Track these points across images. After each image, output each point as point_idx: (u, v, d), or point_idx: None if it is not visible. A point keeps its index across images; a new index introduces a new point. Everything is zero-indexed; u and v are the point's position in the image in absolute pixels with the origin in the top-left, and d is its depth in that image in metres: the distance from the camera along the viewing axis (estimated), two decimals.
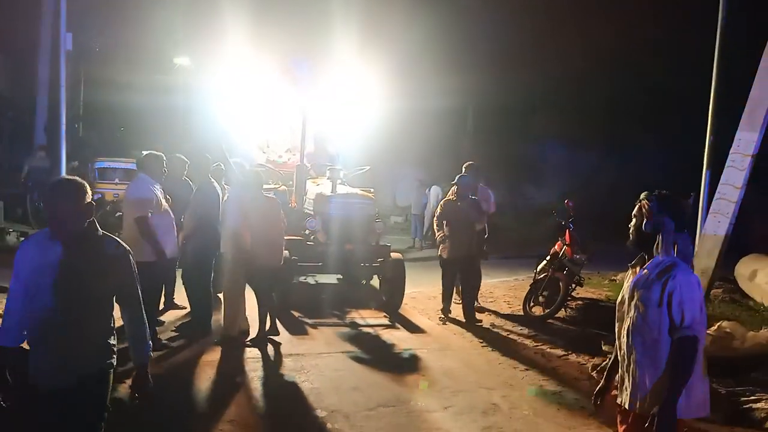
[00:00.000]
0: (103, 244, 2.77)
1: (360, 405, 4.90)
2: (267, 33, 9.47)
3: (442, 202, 7.54)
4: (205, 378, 5.35)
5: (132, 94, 19.20)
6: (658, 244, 2.83)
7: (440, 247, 7.53)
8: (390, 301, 7.86)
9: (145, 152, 6.35)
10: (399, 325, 7.32)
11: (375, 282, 8.68)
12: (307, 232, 7.82)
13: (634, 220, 2.94)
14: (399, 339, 6.82)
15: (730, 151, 7.25)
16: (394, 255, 7.98)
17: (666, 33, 15.85)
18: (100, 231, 2.79)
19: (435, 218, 7.73)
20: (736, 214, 7.20)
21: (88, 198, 2.68)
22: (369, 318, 7.59)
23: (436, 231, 7.77)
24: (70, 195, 2.64)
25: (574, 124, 18.21)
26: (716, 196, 7.37)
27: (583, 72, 17.30)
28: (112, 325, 2.86)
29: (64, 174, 11.76)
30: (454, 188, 7.63)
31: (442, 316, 7.59)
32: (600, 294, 9.31)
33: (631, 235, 2.95)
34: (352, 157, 9.74)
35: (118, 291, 2.83)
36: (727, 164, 7.26)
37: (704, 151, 9.21)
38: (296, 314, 7.42)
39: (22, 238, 11.30)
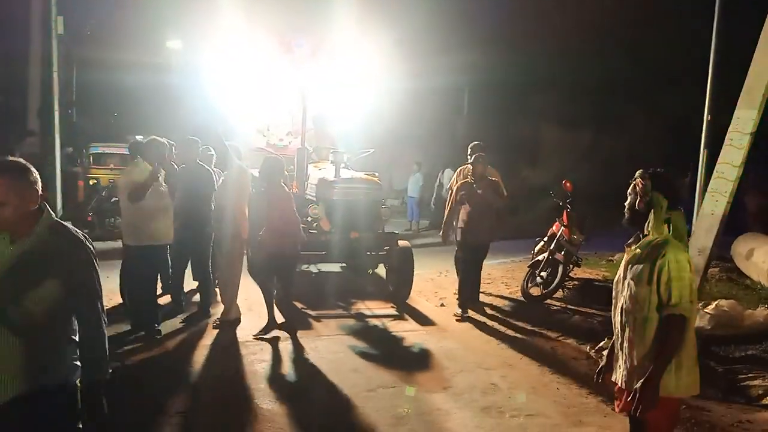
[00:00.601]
0: (54, 233, 2.38)
1: (360, 386, 4.91)
2: (264, 9, 9.07)
3: (458, 185, 7.00)
4: (201, 360, 5.35)
5: (125, 78, 19.02)
6: (649, 221, 2.83)
7: (457, 233, 7.06)
8: (397, 291, 7.52)
9: (139, 137, 6.33)
10: (407, 316, 7.03)
11: (380, 270, 8.20)
12: (309, 219, 7.41)
13: (629, 198, 2.93)
14: (401, 324, 6.73)
15: (729, 130, 7.20)
16: (401, 243, 7.56)
17: (663, 8, 15.72)
18: (52, 216, 2.42)
19: (450, 202, 7.18)
20: (734, 193, 7.17)
21: (35, 182, 2.37)
22: (376, 309, 7.29)
23: (447, 216, 7.24)
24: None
25: (570, 102, 18.11)
26: (714, 174, 7.35)
27: (579, 49, 17.17)
28: (70, 334, 2.43)
29: (58, 160, 11.68)
30: (468, 168, 7.20)
31: (460, 313, 6.95)
32: (598, 274, 9.33)
33: (625, 213, 2.95)
34: (354, 140, 9.37)
35: (70, 287, 2.36)
36: (725, 143, 7.21)
37: (702, 130, 9.21)
38: (298, 305, 7.07)
39: None
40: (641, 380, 2.71)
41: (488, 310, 7.34)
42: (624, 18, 16.48)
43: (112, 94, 20.55)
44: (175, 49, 20.19)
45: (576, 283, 8.27)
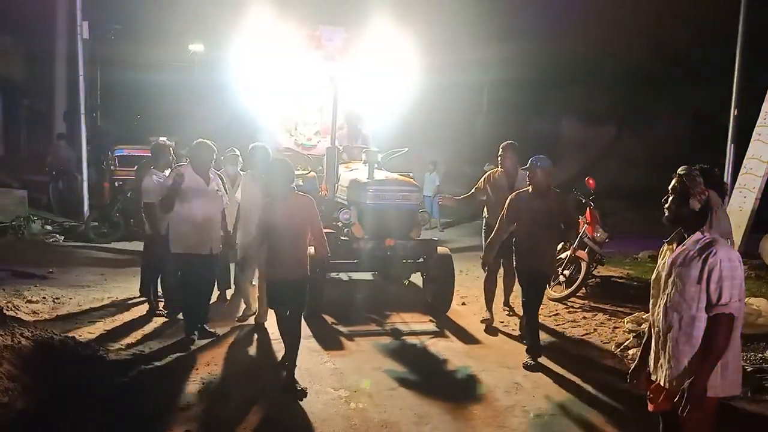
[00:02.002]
0: None
1: (382, 384, 4.91)
2: (292, 4, 8.84)
3: (512, 197, 5.61)
4: (230, 358, 5.40)
5: (148, 81, 19.30)
6: (702, 220, 2.76)
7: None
8: (436, 303, 7.00)
9: (162, 139, 6.41)
10: (448, 332, 6.40)
11: (415, 277, 7.48)
12: (340, 224, 6.84)
13: (671, 196, 2.86)
14: (442, 343, 6.05)
15: (757, 124, 7.08)
16: (440, 250, 6.94)
17: (687, 1, 15.45)
18: None
19: (499, 222, 5.68)
20: (762, 188, 7.04)
21: None
22: (413, 323, 6.69)
23: (494, 235, 5.76)
24: None
25: (592, 98, 17.95)
26: (742, 170, 7.23)
27: (601, 44, 16.97)
28: None
29: (85, 163, 11.90)
30: (498, 172, 6.47)
31: (529, 363, 5.47)
32: (622, 272, 9.21)
33: (668, 211, 2.87)
34: (384, 138, 8.90)
35: None
36: (753, 137, 7.09)
37: (728, 125, 9.06)
38: (328, 319, 6.59)
39: (48, 226, 11.47)
40: (689, 380, 2.67)
41: (509, 309, 7.27)
42: (647, 11, 16.25)
43: (136, 97, 20.86)
44: (198, 52, 20.43)
45: (599, 281, 8.18)
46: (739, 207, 7.16)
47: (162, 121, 18.98)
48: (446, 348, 5.92)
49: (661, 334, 2.87)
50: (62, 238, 10.99)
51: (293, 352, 4.77)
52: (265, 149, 6.14)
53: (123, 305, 6.87)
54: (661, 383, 2.87)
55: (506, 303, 7.09)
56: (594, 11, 16.81)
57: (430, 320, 6.79)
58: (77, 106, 11.70)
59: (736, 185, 7.29)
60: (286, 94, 8.60)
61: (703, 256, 2.71)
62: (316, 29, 8.56)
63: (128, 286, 7.58)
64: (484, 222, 6.77)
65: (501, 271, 6.82)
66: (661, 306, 2.86)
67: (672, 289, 2.80)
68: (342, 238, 6.74)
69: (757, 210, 7.13)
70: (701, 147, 13.15)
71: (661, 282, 2.87)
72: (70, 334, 5.47)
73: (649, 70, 17.64)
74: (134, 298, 7.08)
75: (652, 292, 2.96)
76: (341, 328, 6.29)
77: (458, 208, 8.31)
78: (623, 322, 6.51)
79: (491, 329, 6.46)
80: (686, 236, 2.82)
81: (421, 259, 6.95)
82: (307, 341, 5.65)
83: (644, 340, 3.10)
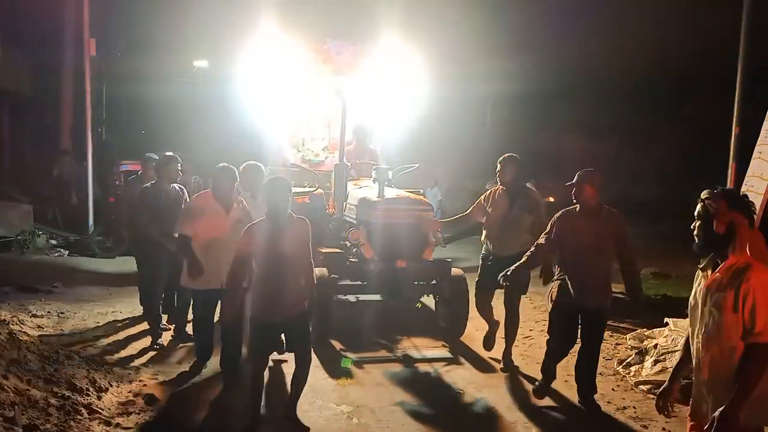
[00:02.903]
0: None
1: (384, 400, 4.93)
2: (300, 18, 8.79)
3: (557, 215, 4.84)
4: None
5: (153, 96, 19.47)
6: (727, 244, 2.68)
7: (549, 290, 4.96)
8: (450, 327, 6.69)
9: (169, 153, 6.31)
10: (463, 359, 6.01)
11: (427, 299, 7.21)
12: (348, 244, 6.53)
13: (697, 221, 2.79)
14: (457, 372, 5.66)
15: (758, 142, 7.08)
16: (454, 271, 6.58)
17: (690, 17, 15.57)
18: None
19: (540, 241, 4.93)
20: (764, 207, 7.05)
21: None
22: (425, 349, 6.34)
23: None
24: None
25: (595, 112, 18.03)
26: (743, 188, 7.23)
27: (604, 59, 17.08)
28: None
29: (90, 179, 11.97)
30: (500, 189, 5.80)
31: (538, 390, 5.06)
32: (624, 289, 9.20)
33: (697, 238, 2.79)
34: (391, 154, 8.63)
35: None
36: (753, 155, 7.10)
37: (730, 142, 9.07)
38: (336, 345, 6.27)
39: (52, 241, 11.53)
40: (720, 409, 2.58)
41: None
42: (650, 27, 16.38)
43: (141, 112, 21.00)
44: (203, 67, 20.61)
45: None
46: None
47: (167, 137, 19.10)
48: (461, 377, 5.53)
49: (701, 366, 2.76)
50: (67, 252, 11.05)
51: (298, 391, 4.41)
52: (258, 167, 5.61)
53: (127, 320, 6.91)
54: (706, 412, 2.72)
55: (506, 355, 5.81)
56: (597, 27, 16.95)
57: (443, 345, 6.41)
58: (83, 121, 11.81)
59: None
60: (294, 109, 8.43)
61: (737, 282, 2.61)
62: (324, 43, 8.41)
63: (132, 301, 7.61)
64: (483, 248, 5.94)
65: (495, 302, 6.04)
66: (700, 335, 2.75)
67: (709, 318, 2.70)
68: (351, 259, 6.47)
69: (759, 227, 7.12)
70: (702, 163, 13.21)
71: (698, 311, 2.78)
72: (74, 349, 5.50)
73: (652, 86, 17.75)
74: (138, 313, 7.11)
75: (690, 319, 2.85)
76: (350, 355, 5.95)
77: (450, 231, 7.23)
78: (625, 338, 6.51)
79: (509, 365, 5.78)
80: (719, 262, 2.72)
81: (434, 281, 6.58)
82: (313, 368, 5.25)
83: (677, 363, 3.01)
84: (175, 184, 6.12)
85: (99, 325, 6.70)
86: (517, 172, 5.71)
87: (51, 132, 15.96)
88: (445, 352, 6.22)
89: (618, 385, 5.45)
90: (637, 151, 18.54)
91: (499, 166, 5.75)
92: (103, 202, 12.42)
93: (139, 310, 6.84)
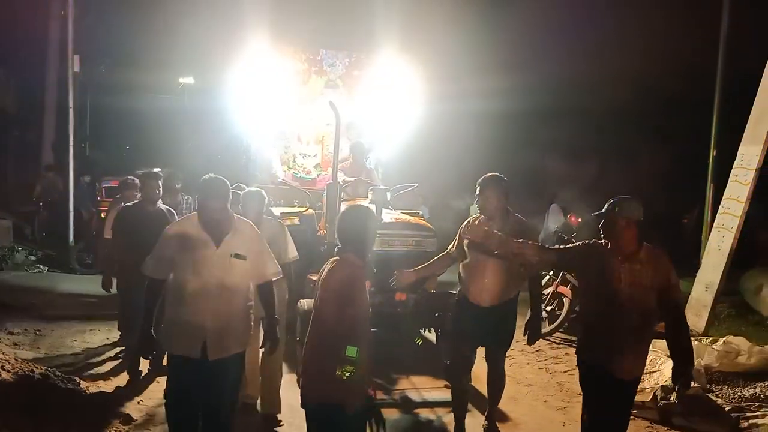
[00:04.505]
0: None
1: None
2: (290, 30, 8.27)
3: (592, 241, 3.73)
4: None
5: (139, 112, 19.44)
6: None
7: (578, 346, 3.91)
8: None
9: (155, 170, 6.02)
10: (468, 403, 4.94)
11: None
12: None
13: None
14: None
15: (734, 165, 7.26)
16: None
17: (670, 40, 15.90)
18: None
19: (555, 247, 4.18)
20: (740, 228, 7.19)
21: None
22: (425, 390, 5.72)
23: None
24: None
25: (576, 133, 18.23)
26: (720, 210, 7.38)
27: (585, 80, 17.35)
28: None
29: (71, 195, 11.87)
30: (480, 220, 4.45)
31: None
32: None
33: None
34: (389, 172, 8.14)
35: None
36: (730, 178, 7.27)
37: (708, 165, 9.28)
38: None
39: (32, 257, 11.40)
40: None
41: None
42: (632, 51, 16.70)
43: (126, 128, 20.95)
44: (188, 83, 20.62)
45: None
46: (718, 246, 7.29)
47: (153, 153, 19.04)
48: (468, 426, 4.69)
49: None
50: (46, 268, 10.93)
51: None
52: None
53: (106, 338, 6.82)
54: None
55: (490, 417, 4.84)
56: (579, 50, 17.23)
57: (446, 386, 5.47)
58: (66, 137, 11.76)
59: (715, 224, 7.43)
60: (284, 124, 8.03)
61: None
62: (317, 53, 8.06)
63: (111, 319, 7.49)
64: (458, 292, 4.72)
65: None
66: None
67: None
68: None
69: (736, 249, 7.25)
70: (682, 184, 13.42)
71: None
72: (51, 368, 5.43)
73: (634, 108, 18.04)
74: (117, 331, 7.01)
75: None
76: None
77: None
78: None
79: None
80: None
81: (437, 314, 5.84)
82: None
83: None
84: (162, 206, 5.62)
85: (76, 343, 6.61)
86: (501, 197, 4.43)
87: (33, 148, 15.84)
88: (448, 395, 5.10)
89: None
90: (618, 172, 18.77)
91: (478, 189, 4.46)
92: (85, 218, 12.33)
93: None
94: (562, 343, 7.44)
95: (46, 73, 14.57)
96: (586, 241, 3.75)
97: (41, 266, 10.99)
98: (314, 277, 5.18)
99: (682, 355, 3.43)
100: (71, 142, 11.54)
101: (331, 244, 6.07)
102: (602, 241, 3.59)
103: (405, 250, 5.91)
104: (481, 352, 4.67)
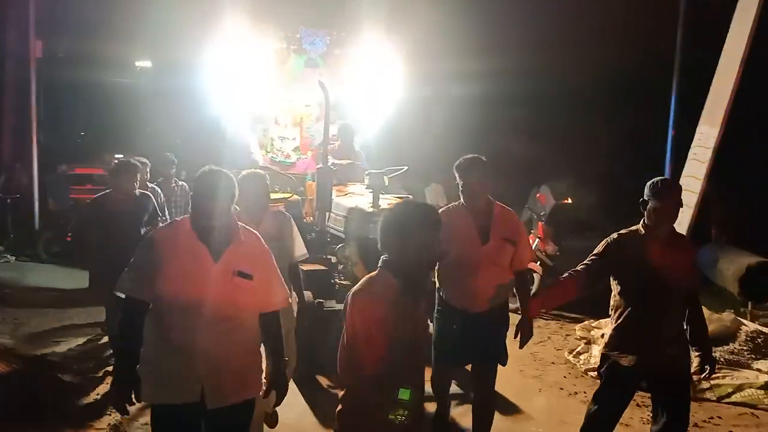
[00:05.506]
0: None
1: None
2: (267, 8, 7.70)
3: (610, 238, 3.51)
4: None
5: (96, 96, 18.96)
6: None
7: (602, 346, 3.61)
8: None
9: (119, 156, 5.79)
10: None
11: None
12: (333, 259, 5.67)
13: None
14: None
15: (692, 144, 7.59)
16: None
17: (628, 27, 16.32)
18: None
19: (582, 269, 3.55)
20: (699, 205, 7.55)
21: None
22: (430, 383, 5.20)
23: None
24: None
25: (537, 118, 18.60)
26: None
27: (544, 66, 17.67)
28: None
29: (36, 183, 11.63)
30: (460, 207, 3.84)
31: None
32: None
33: None
34: (375, 155, 7.85)
35: None
36: (689, 157, 7.61)
37: (665, 145, 9.72)
38: (323, 381, 5.28)
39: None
40: None
41: None
42: (591, 37, 17.07)
43: (82, 113, 20.43)
44: (146, 66, 20.13)
45: None
46: (678, 222, 7.66)
47: (115, 137, 18.63)
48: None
49: None
50: (14, 258, 10.74)
51: None
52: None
53: (82, 327, 6.75)
54: None
55: None
56: (539, 38, 17.53)
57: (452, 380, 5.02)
58: (28, 126, 11.50)
59: None
60: (261, 105, 7.66)
61: None
62: (296, 31, 7.76)
63: (86, 309, 7.17)
64: (437, 300, 3.97)
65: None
66: None
67: None
68: (342, 281, 5.53)
69: (695, 225, 7.62)
70: (642, 165, 13.89)
71: None
72: (34, 355, 5.44)
73: (591, 93, 18.48)
74: (95, 323, 6.79)
75: None
76: (341, 394, 5.08)
77: None
78: (574, 329, 6.88)
79: None
80: None
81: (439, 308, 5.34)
82: (299, 414, 4.58)
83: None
84: (137, 190, 5.24)
85: (56, 330, 6.59)
86: (486, 184, 3.76)
87: None
88: (455, 387, 4.82)
89: (569, 373, 5.79)
90: (577, 155, 19.25)
91: (458, 174, 3.75)
92: (48, 207, 12.07)
93: (95, 316, 6.63)
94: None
95: (5, 59, 14.11)
96: (612, 239, 3.49)
97: (9, 256, 10.78)
98: (305, 268, 5.05)
99: (705, 343, 3.46)
100: (34, 130, 11.31)
101: (321, 231, 6.01)
102: (629, 231, 3.47)
103: None
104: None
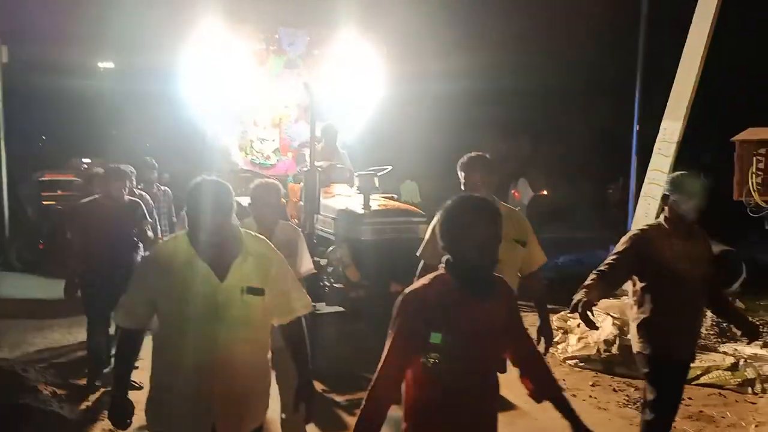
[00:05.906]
0: None
1: None
2: (246, 8, 7.68)
3: (633, 233, 3.56)
4: None
5: (59, 100, 18.64)
6: None
7: (637, 339, 3.52)
8: None
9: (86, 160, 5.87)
10: None
11: None
12: (323, 262, 5.47)
13: None
14: None
15: (657, 139, 7.85)
16: None
17: (593, 24, 16.68)
18: None
19: (610, 261, 3.48)
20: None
21: None
22: None
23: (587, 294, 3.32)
24: None
25: (510, 113, 18.92)
26: (646, 181, 7.98)
27: (515, 62, 17.97)
28: None
29: (5, 190, 11.44)
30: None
31: None
32: (545, 276, 9.87)
33: None
34: (359, 155, 7.77)
35: None
36: (654, 151, 7.87)
37: (631, 138, 10.01)
38: (319, 387, 4.87)
39: None
40: None
41: None
42: (560, 34, 17.42)
43: (44, 118, 20.03)
44: (108, 68, 19.82)
45: None
46: (645, 213, 7.91)
47: (80, 142, 18.36)
48: None
49: None
50: None
51: None
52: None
53: (67, 333, 6.75)
54: None
55: None
56: (512, 35, 17.82)
57: None
58: None
59: (642, 194, 8.04)
60: (239, 107, 7.59)
61: None
62: (275, 32, 7.68)
63: (67, 316, 7.13)
64: None
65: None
66: None
67: None
68: (335, 284, 5.42)
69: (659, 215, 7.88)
70: (610, 158, 14.28)
71: None
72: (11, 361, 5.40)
73: (562, 88, 18.86)
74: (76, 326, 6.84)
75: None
76: (337, 398, 5.01)
77: None
78: (552, 319, 7.08)
79: None
80: None
81: None
82: None
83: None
84: (126, 197, 5.21)
85: (37, 339, 6.55)
86: (490, 183, 3.61)
87: None
88: None
89: (547, 362, 5.97)
90: (549, 149, 19.62)
91: (462, 173, 3.60)
92: (18, 215, 11.88)
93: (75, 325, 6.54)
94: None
95: None
96: (635, 233, 3.53)
97: None
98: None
99: (743, 314, 3.97)
100: (2, 137, 11.15)
101: (309, 234, 5.69)
102: (651, 225, 3.56)
103: (398, 237, 5.47)
104: None
